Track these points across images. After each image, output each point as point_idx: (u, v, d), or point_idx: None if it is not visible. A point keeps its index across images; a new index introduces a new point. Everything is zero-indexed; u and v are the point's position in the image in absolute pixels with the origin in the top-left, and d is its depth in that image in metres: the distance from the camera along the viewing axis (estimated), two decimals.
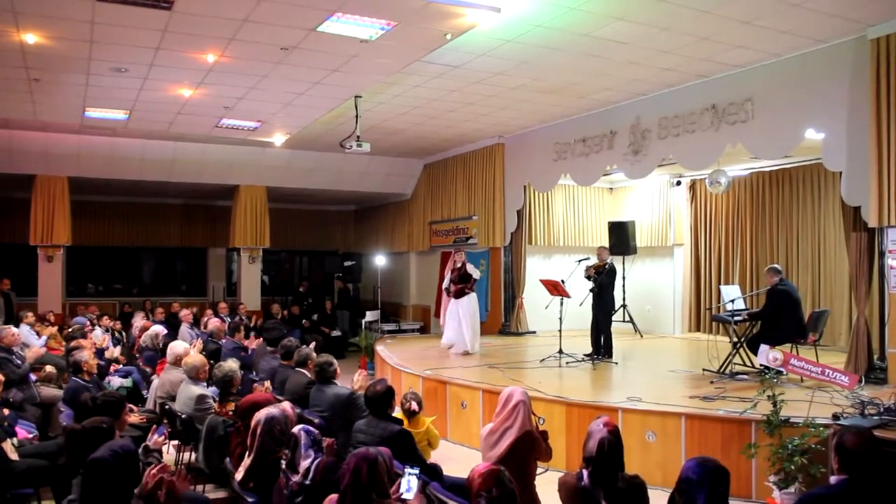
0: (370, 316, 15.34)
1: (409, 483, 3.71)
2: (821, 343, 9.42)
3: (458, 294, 11.56)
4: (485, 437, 4.65)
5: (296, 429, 4.13)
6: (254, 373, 8.80)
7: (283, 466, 4.15)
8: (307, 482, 4.04)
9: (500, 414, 4.62)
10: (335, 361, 6.68)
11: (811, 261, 12.19)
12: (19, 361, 8.22)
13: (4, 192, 16.37)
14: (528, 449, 4.52)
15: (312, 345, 8.15)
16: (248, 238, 16.54)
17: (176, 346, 7.81)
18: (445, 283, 11.87)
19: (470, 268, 11.64)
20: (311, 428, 4.15)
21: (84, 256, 18.23)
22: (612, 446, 3.70)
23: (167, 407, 6.92)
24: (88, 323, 11.75)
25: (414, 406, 6.17)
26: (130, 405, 6.96)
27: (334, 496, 3.54)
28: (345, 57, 8.50)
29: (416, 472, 3.81)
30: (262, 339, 10.54)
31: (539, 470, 4.70)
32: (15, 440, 6.00)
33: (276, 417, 4.49)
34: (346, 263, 19.03)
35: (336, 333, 16.75)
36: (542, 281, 11.08)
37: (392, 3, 6.88)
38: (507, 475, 3.25)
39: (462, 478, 4.73)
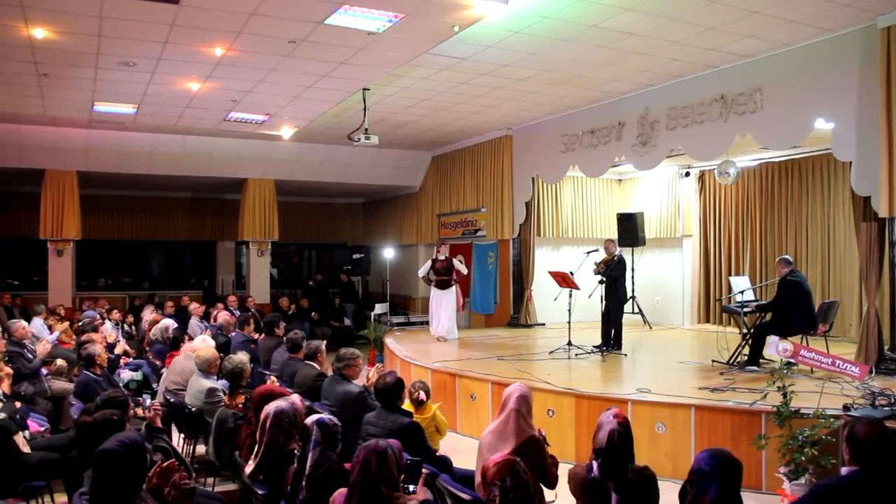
0: (379, 309, 15.36)
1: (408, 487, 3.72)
2: (831, 334, 9.39)
3: (443, 285, 12.24)
4: (485, 442, 4.50)
5: (309, 420, 4.11)
6: (261, 364, 8.83)
7: (296, 458, 4.12)
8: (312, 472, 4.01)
9: (498, 417, 4.54)
10: (349, 358, 6.54)
11: (821, 251, 12.13)
12: (31, 355, 8.27)
13: (14, 186, 16.48)
14: (531, 457, 4.26)
15: (325, 342, 8.16)
16: (257, 231, 16.58)
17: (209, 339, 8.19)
18: (423, 273, 12.49)
19: (457, 262, 12.40)
20: (326, 420, 4.09)
21: (94, 250, 18.35)
22: (621, 438, 3.70)
23: (172, 401, 6.95)
24: (98, 317, 11.81)
25: (422, 396, 6.19)
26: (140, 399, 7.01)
27: (344, 490, 3.55)
28: (352, 49, 8.49)
29: (418, 461, 3.82)
30: (264, 333, 10.53)
31: (549, 498, 4.46)
32: (27, 433, 6.05)
33: (285, 410, 4.50)
34: (355, 256, 19.06)
35: (348, 322, 16.81)
36: (550, 273, 11.08)
37: None
38: (521, 466, 3.24)
39: (472, 469, 4.74)
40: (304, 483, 3.88)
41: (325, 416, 4.12)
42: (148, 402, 6.14)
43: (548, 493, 4.48)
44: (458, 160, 16.31)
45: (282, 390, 5.39)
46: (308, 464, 3.91)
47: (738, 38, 8.87)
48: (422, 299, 17.73)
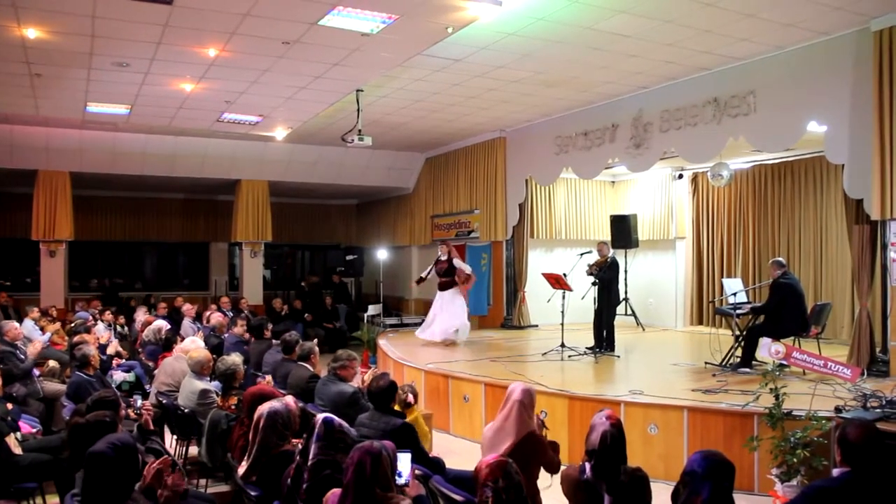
0: (372, 310, 15.34)
1: (398, 470, 3.72)
2: (823, 336, 9.42)
3: (443, 287, 11.94)
4: (487, 437, 4.56)
5: (319, 416, 4.08)
6: (252, 367, 8.81)
7: (298, 453, 4.07)
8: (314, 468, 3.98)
9: (500, 412, 4.59)
10: (345, 359, 6.56)
11: (813, 254, 12.17)
12: (23, 356, 8.24)
13: (6, 187, 16.42)
14: (530, 453, 4.39)
15: (315, 340, 8.15)
16: (250, 232, 16.56)
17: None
18: (424, 274, 12.26)
19: (457, 262, 12.01)
20: (334, 421, 4.04)
21: (86, 251, 18.29)
22: (614, 439, 3.71)
23: (165, 402, 6.94)
24: (91, 318, 11.77)
25: (410, 398, 6.21)
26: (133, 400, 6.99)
27: (337, 490, 3.54)
28: (346, 51, 8.49)
29: (408, 454, 3.84)
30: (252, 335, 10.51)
31: (546, 483, 4.54)
32: (18, 435, 6.02)
33: (279, 411, 4.49)
34: (349, 257, 19.03)
35: (339, 324, 16.81)
36: (544, 274, 11.08)
37: None
38: (514, 467, 3.25)
39: (465, 470, 4.74)
40: (306, 476, 3.85)
41: (337, 419, 4.08)
42: (139, 402, 6.13)
43: (544, 480, 4.53)
44: (451, 162, 16.32)
45: (272, 390, 5.38)
46: (310, 457, 3.88)
47: (733, 41, 8.89)
48: (415, 301, 17.74)
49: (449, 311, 11.85)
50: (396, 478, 3.67)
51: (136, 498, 3.52)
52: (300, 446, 4.06)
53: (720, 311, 10.16)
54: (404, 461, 3.84)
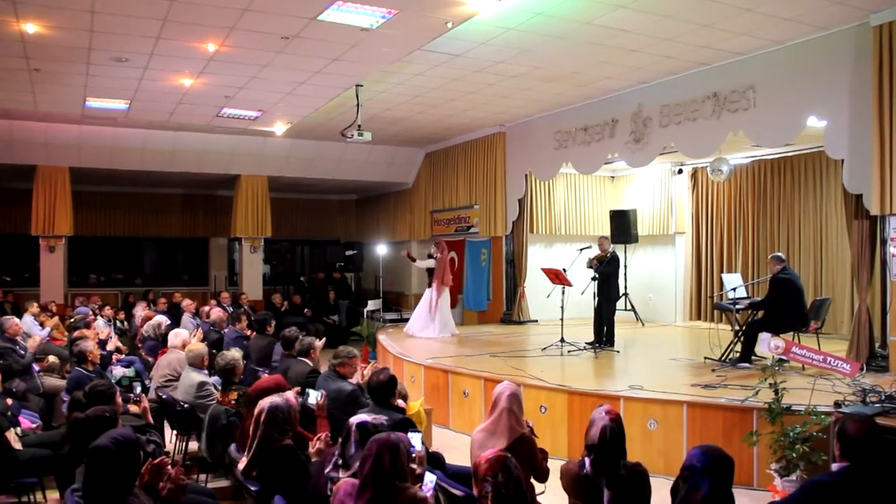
0: (372, 305, 15.34)
1: (428, 484, 3.78)
2: (822, 331, 9.44)
3: (431, 283, 12.37)
4: (476, 440, 4.52)
5: (352, 420, 4.05)
6: (253, 362, 8.81)
7: (334, 459, 4.06)
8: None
9: (489, 416, 4.56)
10: (345, 356, 6.57)
11: (813, 249, 12.18)
12: (22, 352, 8.24)
13: (5, 182, 16.41)
14: (522, 455, 4.23)
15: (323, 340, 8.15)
16: (250, 228, 16.56)
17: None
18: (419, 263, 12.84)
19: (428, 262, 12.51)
20: (368, 424, 4.01)
21: (86, 246, 18.28)
22: (614, 434, 3.71)
23: (165, 397, 6.94)
24: (91, 313, 11.76)
25: (400, 402, 6.20)
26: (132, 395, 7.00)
27: (351, 480, 3.54)
28: (346, 46, 8.48)
29: (419, 434, 4.02)
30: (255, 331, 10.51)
31: (538, 489, 4.48)
32: (18, 430, 6.02)
33: (279, 406, 4.49)
34: (348, 253, 19.04)
35: (338, 319, 16.83)
36: (543, 269, 11.09)
37: None
38: (513, 461, 3.24)
39: (464, 466, 4.75)
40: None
41: (369, 418, 4.07)
42: (138, 389, 6.13)
43: (537, 486, 4.49)
44: (451, 157, 16.31)
45: (283, 382, 5.37)
46: (351, 468, 3.86)
47: (732, 36, 8.88)
48: (415, 296, 17.72)
49: (441, 308, 12.17)
50: (411, 449, 3.70)
51: (136, 493, 3.52)
52: (335, 452, 4.04)
53: (719, 306, 10.16)
54: (416, 440, 3.99)
